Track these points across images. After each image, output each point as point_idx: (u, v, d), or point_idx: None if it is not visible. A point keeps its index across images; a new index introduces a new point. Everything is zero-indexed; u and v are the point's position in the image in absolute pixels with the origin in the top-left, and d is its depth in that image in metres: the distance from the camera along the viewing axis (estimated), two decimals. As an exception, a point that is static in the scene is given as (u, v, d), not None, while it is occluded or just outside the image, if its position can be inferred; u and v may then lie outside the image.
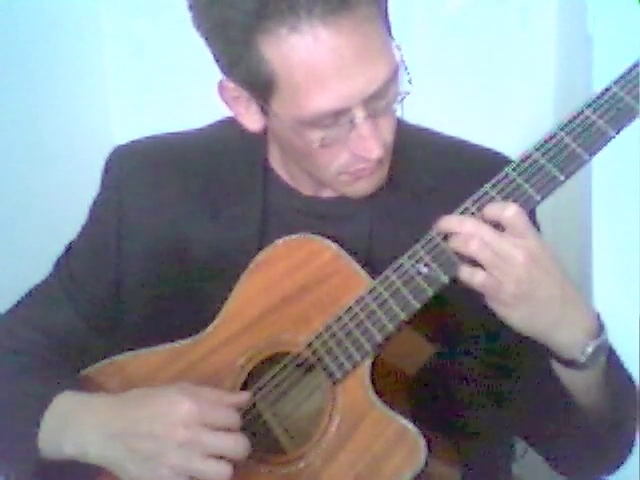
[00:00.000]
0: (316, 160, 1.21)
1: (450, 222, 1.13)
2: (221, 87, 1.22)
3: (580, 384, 1.19)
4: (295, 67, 1.12)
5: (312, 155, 1.20)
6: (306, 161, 1.23)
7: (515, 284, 1.10)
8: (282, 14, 1.09)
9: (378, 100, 1.16)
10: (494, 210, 1.11)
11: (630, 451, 1.29)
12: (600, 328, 1.16)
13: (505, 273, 1.10)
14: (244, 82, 1.18)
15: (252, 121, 1.23)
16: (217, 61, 1.19)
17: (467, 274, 1.12)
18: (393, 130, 1.21)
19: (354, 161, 1.20)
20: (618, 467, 1.30)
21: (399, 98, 1.18)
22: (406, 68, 1.18)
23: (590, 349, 1.14)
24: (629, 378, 1.26)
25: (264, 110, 1.20)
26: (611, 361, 1.20)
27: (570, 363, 1.16)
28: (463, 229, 1.12)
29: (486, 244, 1.10)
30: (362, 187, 1.25)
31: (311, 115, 1.14)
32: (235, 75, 1.18)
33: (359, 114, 1.15)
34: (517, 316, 1.12)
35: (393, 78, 1.16)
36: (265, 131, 1.29)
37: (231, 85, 1.20)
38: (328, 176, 1.23)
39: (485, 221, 1.12)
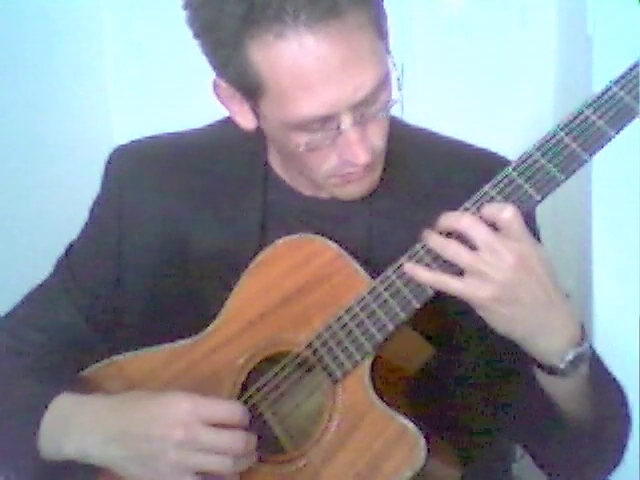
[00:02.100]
0: (306, 162, 1.21)
1: (448, 219, 1.13)
2: (215, 86, 1.22)
3: (561, 391, 1.19)
4: (281, 73, 1.12)
5: (301, 157, 1.20)
6: (297, 163, 1.24)
7: (499, 287, 1.09)
8: (269, 20, 1.10)
9: (366, 106, 1.16)
10: (491, 211, 1.11)
11: (620, 458, 1.28)
12: (582, 337, 1.16)
13: (489, 276, 1.09)
14: (234, 83, 1.19)
15: (246, 120, 1.24)
16: (208, 61, 1.20)
17: (442, 284, 1.12)
18: (383, 136, 1.21)
19: (342, 165, 1.20)
20: (608, 473, 1.30)
21: (389, 105, 1.18)
22: (400, 75, 1.18)
23: (570, 357, 1.14)
24: (615, 386, 1.26)
25: (254, 111, 1.21)
26: (595, 369, 1.19)
27: (550, 370, 1.16)
28: (460, 226, 1.12)
29: (468, 252, 1.10)
30: (352, 190, 1.25)
31: (297, 120, 1.15)
32: (226, 75, 1.19)
33: (346, 120, 1.15)
34: (496, 319, 1.12)
35: (383, 85, 1.16)
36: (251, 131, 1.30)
37: (223, 84, 1.20)
38: (318, 178, 1.24)
39: (483, 221, 1.12)
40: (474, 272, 1.10)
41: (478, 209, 1.13)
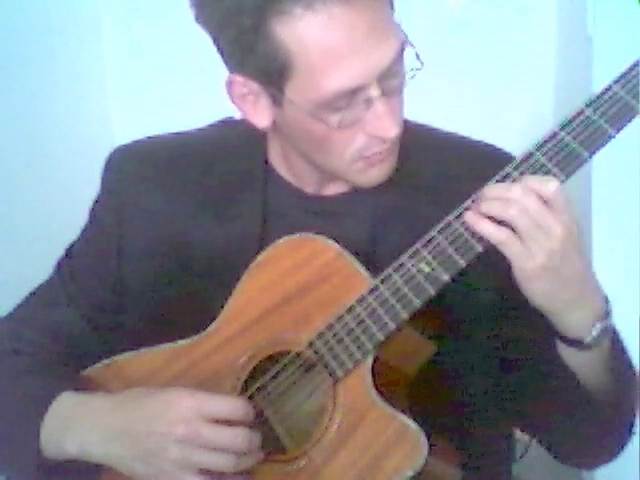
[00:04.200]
0: (331, 147, 1.20)
1: (495, 189, 1.12)
2: (229, 84, 1.21)
3: (584, 365, 1.20)
4: (311, 47, 1.12)
5: (328, 142, 1.19)
6: (319, 150, 1.22)
7: (548, 256, 1.10)
8: None
9: (390, 79, 1.16)
10: (536, 183, 1.11)
11: (629, 438, 1.30)
12: (607, 310, 1.17)
13: (540, 244, 1.10)
14: (257, 72, 1.17)
15: (260, 118, 1.23)
16: (226, 56, 1.19)
17: (502, 238, 1.11)
18: (403, 112, 1.21)
19: (370, 144, 1.20)
20: (618, 453, 1.31)
21: (409, 75, 1.19)
22: (412, 45, 1.19)
23: (596, 330, 1.16)
24: (630, 363, 1.27)
25: (276, 101, 1.19)
26: (615, 344, 1.21)
27: (575, 343, 1.17)
28: (511, 195, 1.11)
29: (526, 211, 1.10)
30: (375, 175, 1.24)
31: (328, 95, 1.14)
32: (247, 66, 1.18)
33: (374, 92, 1.15)
34: (540, 288, 1.13)
35: (400, 56, 1.17)
36: (265, 130, 1.30)
37: (240, 80, 1.19)
38: (342, 164, 1.23)
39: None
40: (531, 238, 1.10)
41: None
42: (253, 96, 1.21)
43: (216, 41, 1.19)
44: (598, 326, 1.16)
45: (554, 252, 1.10)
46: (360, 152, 1.20)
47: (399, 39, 1.16)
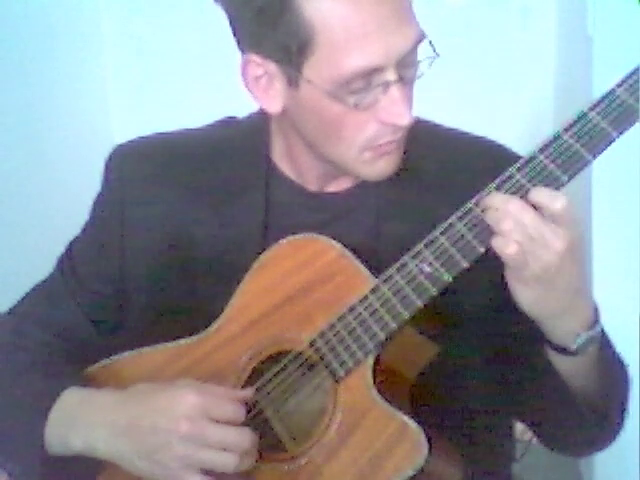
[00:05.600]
0: (343, 132, 1.20)
1: (495, 199, 1.13)
2: (245, 64, 1.21)
3: (569, 368, 1.21)
4: (336, 24, 1.13)
5: (340, 126, 1.19)
6: (330, 137, 1.22)
7: (543, 268, 1.10)
8: None
9: (407, 67, 1.17)
10: (544, 198, 1.11)
11: (617, 434, 1.31)
12: (595, 319, 1.18)
13: (536, 256, 1.10)
14: (276, 50, 1.17)
15: (272, 102, 1.22)
16: (245, 33, 1.19)
17: (500, 244, 1.11)
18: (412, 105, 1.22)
19: (381, 132, 1.19)
20: (606, 446, 1.33)
21: (426, 63, 1.19)
22: (430, 41, 1.19)
23: (581, 339, 1.17)
24: (621, 367, 1.28)
25: (292, 81, 1.18)
26: (604, 350, 1.22)
27: (560, 349, 1.18)
28: (506, 207, 1.11)
29: (521, 225, 1.10)
30: (382, 167, 1.24)
31: (348, 74, 1.14)
32: (266, 44, 1.17)
33: (392, 76, 1.15)
34: (530, 296, 1.14)
35: (417, 46, 1.17)
36: (268, 127, 1.30)
37: (256, 59, 1.19)
38: (350, 154, 1.22)
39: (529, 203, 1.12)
40: (526, 250, 1.10)
41: (482, 210, 1.13)
42: (267, 78, 1.20)
43: (235, 19, 1.19)
44: (584, 335, 1.17)
45: (550, 265, 1.10)
46: (370, 141, 1.20)
47: (418, 29, 1.17)
